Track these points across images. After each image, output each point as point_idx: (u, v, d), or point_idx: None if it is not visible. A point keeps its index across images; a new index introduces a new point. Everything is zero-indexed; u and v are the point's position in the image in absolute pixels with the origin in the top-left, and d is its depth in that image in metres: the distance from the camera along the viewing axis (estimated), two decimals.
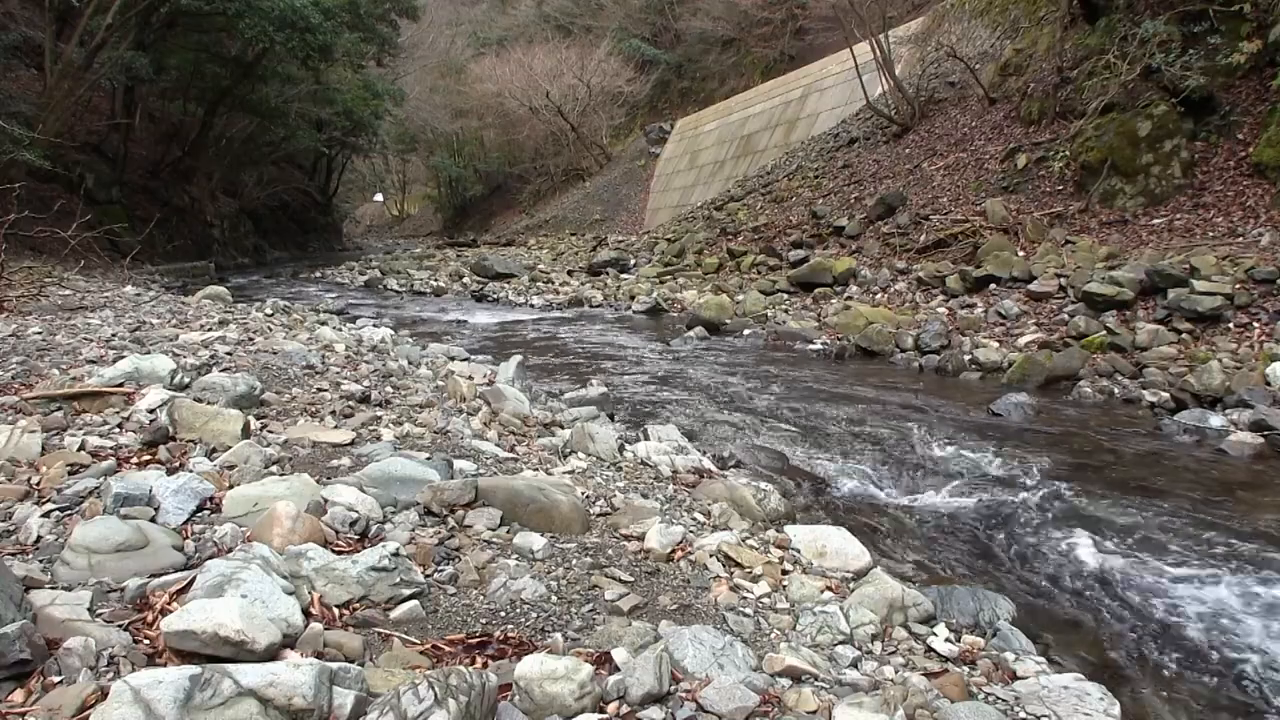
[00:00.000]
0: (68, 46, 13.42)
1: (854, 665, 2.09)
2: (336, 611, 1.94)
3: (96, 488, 2.41)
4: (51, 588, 1.84)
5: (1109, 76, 9.84)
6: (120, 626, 1.70)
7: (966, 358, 6.99)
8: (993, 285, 8.55)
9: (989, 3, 15.33)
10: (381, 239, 46.17)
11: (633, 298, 12.28)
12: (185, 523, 2.27)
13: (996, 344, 7.20)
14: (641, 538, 2.63)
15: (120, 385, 3.43)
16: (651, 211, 24.23)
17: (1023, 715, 1.98)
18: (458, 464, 3.05)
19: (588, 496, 3.01)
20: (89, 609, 1.75)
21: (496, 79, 32.85)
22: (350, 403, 3.86)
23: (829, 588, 2.54)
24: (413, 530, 2.43)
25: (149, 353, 4.08)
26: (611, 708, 1.67)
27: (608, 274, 15.09)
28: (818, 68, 20.11)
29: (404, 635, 1.88)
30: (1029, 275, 8.31)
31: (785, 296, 10.76)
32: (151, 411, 3.15)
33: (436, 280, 15.96)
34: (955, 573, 3.22)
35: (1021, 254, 9.06)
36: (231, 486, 2.51)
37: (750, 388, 6.42)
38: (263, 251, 25.85)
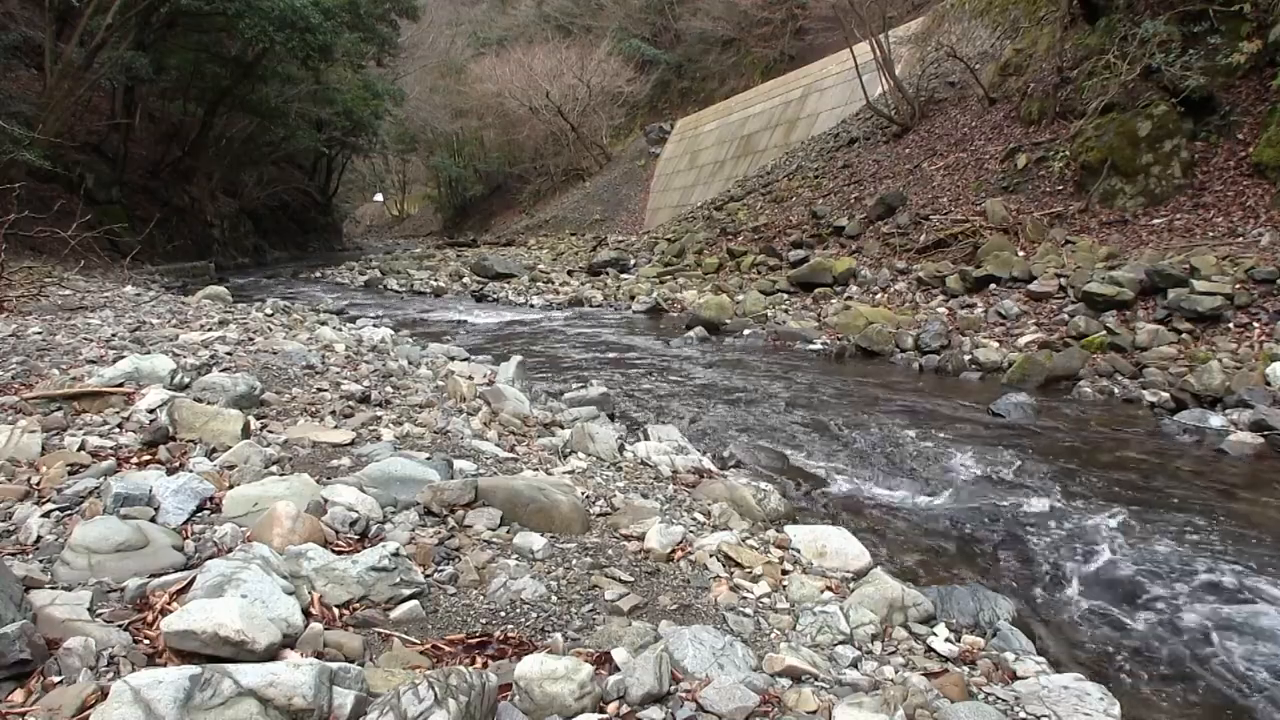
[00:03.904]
0: (68, 46, 13.42)
1: (854, 665, 2.09)
2: (336, 611, 1.93)
3: (96, 488, 2.41)
4: (51, 588, 1.84)
5: (1109, 76, 9.84)
6: (120, 626, 1.70)
7: (966, 358, 6.99)
8: (993, 285, 8.55)
9: (989, 3, 15.31)
10: (381, 239, 46.17)
11: (633, 298, 12.28)
12: (185, 523, 2.27)
13: (996, 344, 7.20)
14: (641, 538, 2.63)
15: (120, 385, 3.43)
16: (651, 211, 24.24)
17: (1023, 715, 1.98)
18: (458, 464, 3.05)
19: (588, 496, 3.01)
20: (89, 609, 1.75)
21: (496, 79, 32.86)
22: (350, 403, 3.86)
23: (829, 588, 2.54)
24: (413, 530, 2.43)
25: (149, 353, 4.08)
26: (611, 708, 1.67)
27: (608, 274, 15.09)
28: (818, 68, 20.12)
29: (404, 635, 1.88)
30: (1029, 275, 8.31)
31: (785, 296, 10.75)
32: (151, 411, 3.15)
33: (436, 280, 15.97)
34: (955, 573, 3.22)
35: (1021, 254, 9.06)
36: (231, 486, 2.51)
37: (750, 388, 6.42)
38: (263, 251, 25.85)
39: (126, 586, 1.88)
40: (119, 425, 3.05)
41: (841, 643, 2.19)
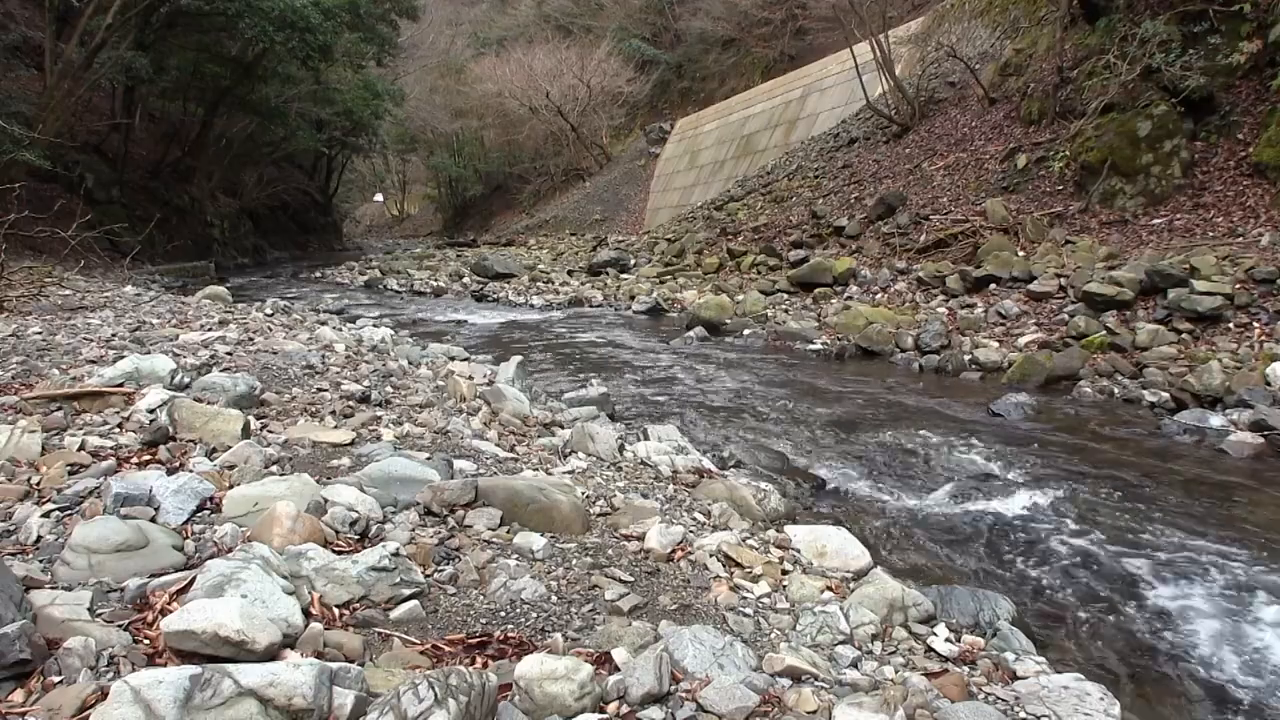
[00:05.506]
0: (68, 46, 13.42)
1: (854, 665, 2.09)
2: (336, 611, 1.93)
3: (96, 488, 2.40)
4: (51, 588, 1.84)
5: (1109, 76, 9.84)
6: (120, 626, 1.70)
7: (966, 358, 6.99)
8: (993, 285, 8.55)
9: (989, 3, 15.32)
10: (381, 239, 46.15)
11: (633, 298, 12.28)
12: (185, 523, 2.27)
13: (996, 344, 7.20)
14: (641, 538, 2.63)
15: (120, 385, 3.43)
16: (651, 211, 24.23)
17: (1023, 715, 1.98)
18: (458, 464, 3.05)
19: (588, 496, 3.01)
20: (89, 609, 1.75)
21: (496, 79, 32.84)
22: (350, 403, 3.86)
23: (829, 588, 2.54)
24: (413, 530, 2.43)
25: (149, 353, 4.08)
26: (611, 708, 1.67)
27: (608, 274, 15.08)
28: (818, 68, 20.11)
29: (404, 635, 1.88)
30: (1029, 275, 8.31)
31: (785, 296, 10.75)
32: (151, 411, 3.15)
33: (436, 280, 15.96)
34: (955, 573, 3.22)
35: (1021, 254, 9.06)
36: (231, 486, 2.51)
37: (750, 388, 6.42)
38: (263, 251, 25.83)
39: (126, 586, 1.87)
40: (119, 425, 3.05)
41: (841, 643, 2.19)
